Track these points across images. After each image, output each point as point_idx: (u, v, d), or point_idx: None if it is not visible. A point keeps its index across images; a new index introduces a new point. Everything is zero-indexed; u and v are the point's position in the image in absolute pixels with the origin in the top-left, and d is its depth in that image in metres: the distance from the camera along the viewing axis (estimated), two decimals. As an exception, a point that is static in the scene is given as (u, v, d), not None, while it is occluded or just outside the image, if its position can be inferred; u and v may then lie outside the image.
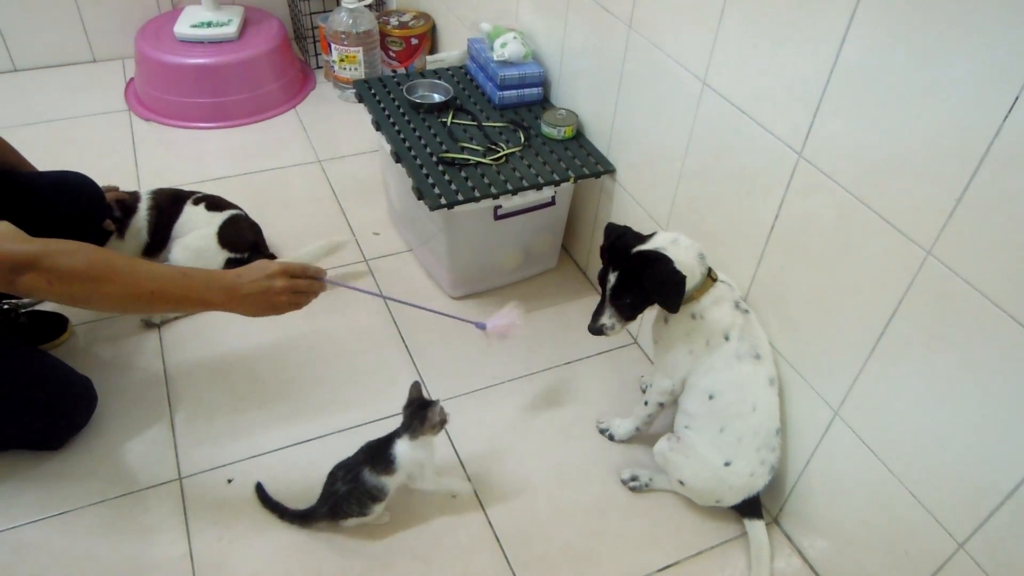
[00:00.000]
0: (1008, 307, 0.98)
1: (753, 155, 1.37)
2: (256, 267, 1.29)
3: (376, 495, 1.38)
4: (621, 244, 1.40)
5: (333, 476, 1.41)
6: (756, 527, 1.47)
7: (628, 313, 1.43)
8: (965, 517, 1.12)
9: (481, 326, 1.49)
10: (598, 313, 1.45)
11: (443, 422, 1.40)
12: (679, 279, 1.34)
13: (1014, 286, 0.97)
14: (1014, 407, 1.02)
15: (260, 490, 1.49)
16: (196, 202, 1.99)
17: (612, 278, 1.40)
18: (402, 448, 1.38)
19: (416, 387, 1.44)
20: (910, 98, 1.04)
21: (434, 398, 1.42)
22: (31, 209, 1.54)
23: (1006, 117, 0.92)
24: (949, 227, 1.04)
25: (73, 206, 1.71)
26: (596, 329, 1.45)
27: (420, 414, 1.38)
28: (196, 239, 1.92)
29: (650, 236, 1.40)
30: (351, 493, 1.37)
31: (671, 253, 1.35)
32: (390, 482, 1.38)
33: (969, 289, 1.03)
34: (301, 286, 1.31)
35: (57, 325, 1.80)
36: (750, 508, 1.48)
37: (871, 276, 1.18)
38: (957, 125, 0.99)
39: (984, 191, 0.98)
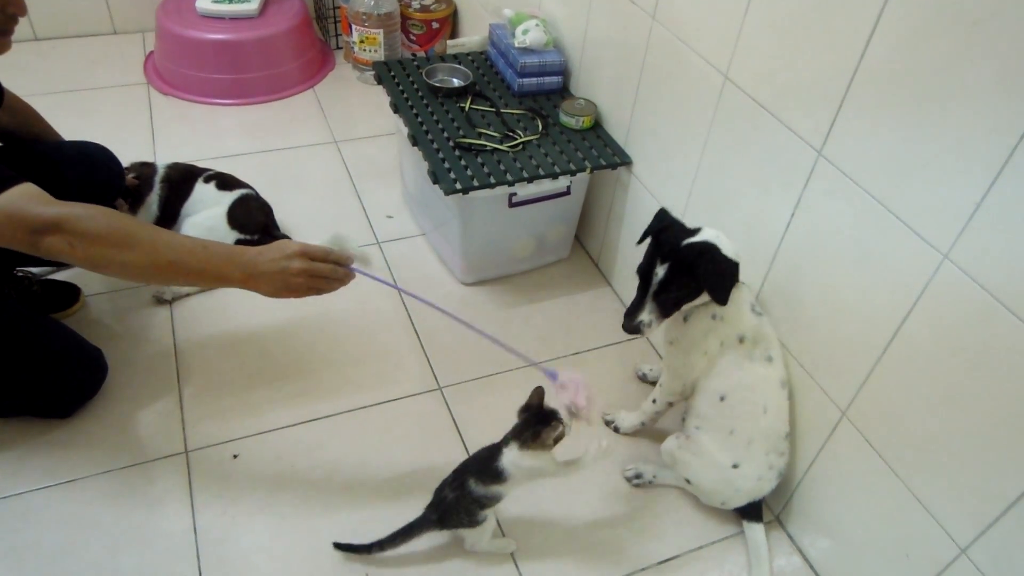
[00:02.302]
0: (1023, 313, 0.98)
1: (772, 152, 1.36)
2: (276, 246, 1.28)
3: (485, 504, 1.32)
4: (669, 236, 1.34)
5: (440, 489, 1.36)
6: (754, 529, 1.47)
7: (669, 309, 1.35)
8: (968, 523, 1.12)
9: (553, 375, 1.34)
10: (636, 309, 1.34)
11: (559, 438, 1.27)
12: (734, 268, 1.30)
13: (1031, 294, 0.97)
14: (1022, 415, 1.01)
15: (342, 546, 1.39)
16: (207, 180, 2.00)
17: (660, 271, 1.31)
18: (509, 458, 1.28)
19: (538, 393, 1.31)
20: (934, 100, 1.03)
21: (555, 407, 1.29)
22: (50, 177, 1.55)
23: (1032, 123, 0.92)
24: (967, 232, 1.03)
25: (92, 177, 1.72)
26: (634, 327, 1.35)
27: (534, 427, 1.27)
28: (205, 218, 1.93)
29: (697, 230, 1.35)
30: (458, 502, 1.32)
31: (720, 245, 1.31)
32: (497, 491, 1.31)
33: (985, 295, 1.02)
34: (320, 270, 1.27)
35: (69, 295, 1.81)
36: (751, 511, 1.48)
37: (886, 278, 1.18)
38: (980, 129, 0.98)
39: (1004, 197, 0.97)
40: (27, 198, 1.17)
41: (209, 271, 1.26)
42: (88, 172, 1.71)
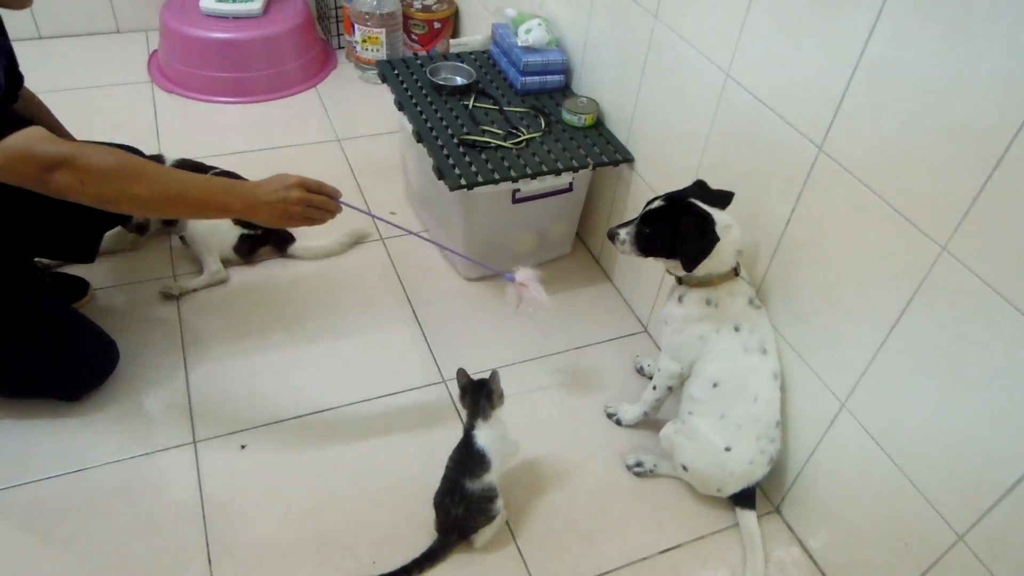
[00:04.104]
0: (1021, 304, 1.00)
1: (773, 148, 1.39)
2: (276, 178, 1.35)
3: (490, 495, 1.37)
4: (689, 191, 1.43)
5: (443, 508, 1.38)
6: (747, 516, 1.50)
7: (642, 243, 1.44)
8: (966, 510, 1.15)
9: (509, 278, 1.52)
10: (623, 224, 1.47)
11: (500, 392, 1.41)
12: (712, 240, 1.35)
13: (1027, 284, 0.99)
14: (1020, 404, 1.04)
15: None
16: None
17: (655, 203, 1.42)
18: (484, 436, 1.37)
19: (463, 372, 1.42)
20: (933, 94, 1.06)
21: (465, 371, 1.43)
22: None
23: (1028, 117, 0.94)
24: (965, 224, 1.05)
25: None
26: (611, 233, 1.49)
27: (485, 393, 1.39)
28: None
29: (718, 204, 1.41)
30: (468, 511, 1.36)
31: (719, 231, 1.36)
32: (492, 476, 1.38)
33: (982, 286, 1.05)
34: (316, 201, 1.36)
35: (78, 288, 1.83)
36: (744, 498, 1.51)
37: (885, 271, 1.20)
38: (979, 122, 1.01)
39: (1002, 189, 1.00)
40: (37, 138, 1.21)
41: (213, 201, 1.32)
42: None
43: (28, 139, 1.20)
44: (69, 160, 1.20)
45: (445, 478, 1.39)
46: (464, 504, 1.35)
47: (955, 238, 1.07)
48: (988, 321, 1.05)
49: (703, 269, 1.40)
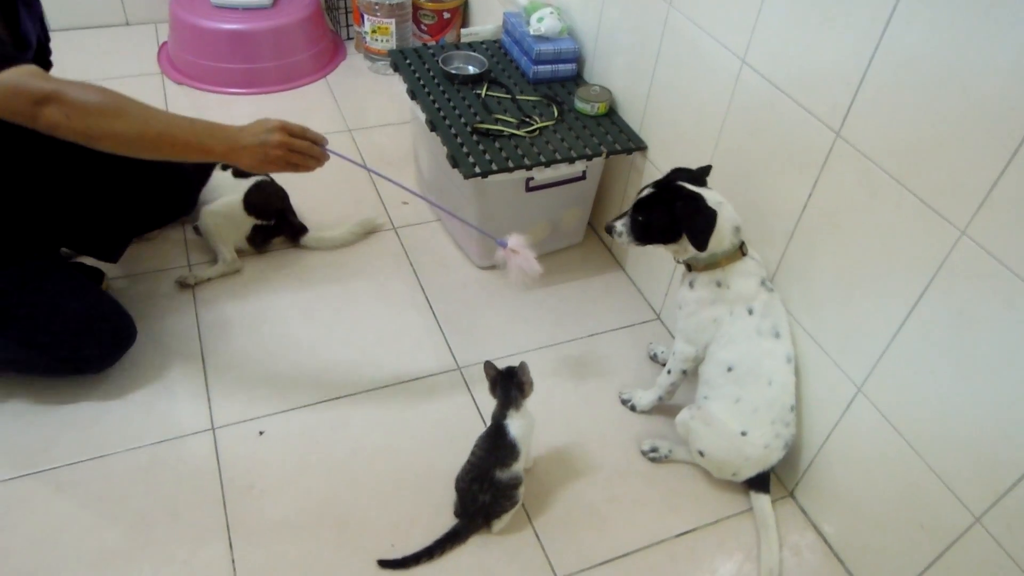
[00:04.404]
0: (1040, 286, 1.01)
1: (790, 135, 1.39)
2: (258, 122, 1.36)
3: (516, 483, 1.39)
4: (674, 175, 1.46)
5: (470, 494, 1.39)
6: (761, 500, 1.51)
7: (639, 231, 1.47)
8: (983, 492, 1.16)
9: (502, 243, 1.53)
10: (619, 216, 1.50)
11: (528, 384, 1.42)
12: (710, 213, 1.38)
13: (1046, 266, 1.00)
14: (1038, 385, 1.05)
15: (387, 563, 1.38)
16: (224, 167, 2.02)
17: (645, 192, 1.45)
18: (516, 426, 1.39)
19: (490, 365, 1.43)
20: (954, 78, 1.07)
21: (498, 363, 1.45)
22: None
23: (1049, 99, 0.95)
24: (985, 207, 1.06)
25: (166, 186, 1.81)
26: (609, 227, 1.51)
27: (516, 383, 1.40)
28: (223, 206, 1.95)
29: (703, 185, 1.45)
30: (495, 498, 1.38)
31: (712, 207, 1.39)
32: (520, 466, 1.40)
33: (1002, 268, 1.05)
34: (297, 145, 1.35)
35: (94, 277, 1.84)
36: (759, 482, 1.52)
37: (903, 255, 1.21)
38: (1000, 105, 1.01)
39: (1023, 173, 1.00)
40: (28, 74, 1.24)
41: (194, 143, 1.33)
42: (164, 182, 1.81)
43: (20, 75, 1.24)
44: (57, 95, 1.23)
45: (473, 466, 1.40)
46: (492, 492, 1.37)
47: (975, 221, 1.08)
48: (1008, 304, 1.06)
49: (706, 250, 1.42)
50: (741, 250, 1.44)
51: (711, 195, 1.42)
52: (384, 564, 1.37)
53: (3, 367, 1.60)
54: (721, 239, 1.41)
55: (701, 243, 1.39)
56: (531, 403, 1.43)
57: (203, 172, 2.01)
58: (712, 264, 1.44)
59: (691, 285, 1.49)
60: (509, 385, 1.40)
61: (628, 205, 1.96)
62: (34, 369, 1.61)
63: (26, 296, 1.53)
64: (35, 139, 1.28)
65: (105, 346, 1.63)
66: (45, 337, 1.54)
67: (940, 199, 1.13)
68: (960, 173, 1.09)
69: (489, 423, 1.44)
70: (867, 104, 1.22)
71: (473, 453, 1.41)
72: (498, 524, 1.42)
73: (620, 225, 1.49)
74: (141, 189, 1.74)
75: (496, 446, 1.39)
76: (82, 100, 1.25)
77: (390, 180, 1.58)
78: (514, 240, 1.53)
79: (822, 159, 1.33)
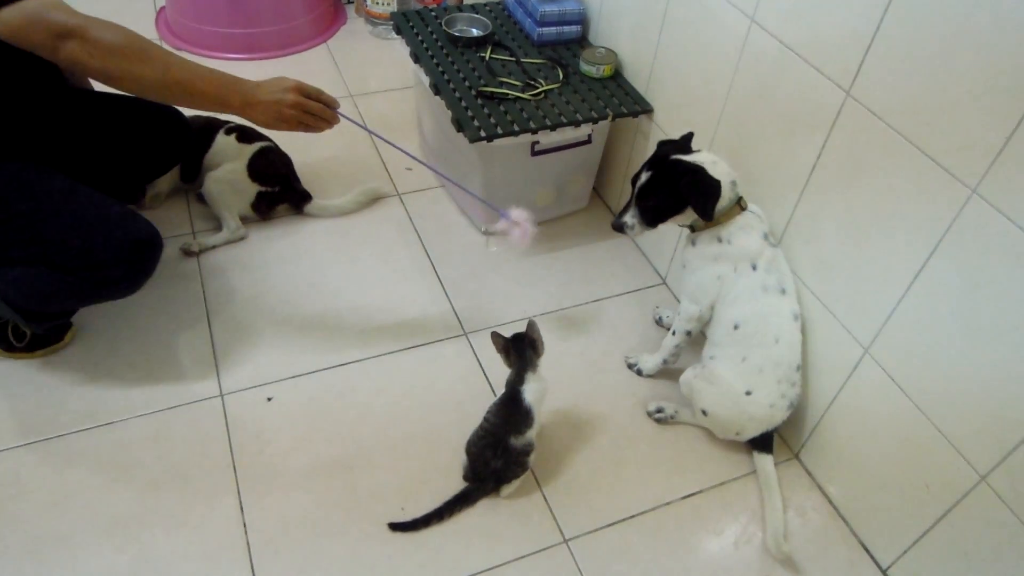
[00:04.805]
0: (1051, 245, 1.00)
1: (799, 95, 1.37)
2: (275, 80, 1.37)
3: (528, 449, 1.40)
4: (663, 150, 1.45)
5: (482, 459, 1.39)
6: (764, 460, 1.52)
7: (650, 217, 1.46)
8: (989, 450, 1.16)
9: (505, 214, 1.57)
10: (623, 211, 1.49)
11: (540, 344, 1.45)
12: (713, 183, 1.38)
13: (1058, 225, 0.99)
14: (1047, 344, 1.05)
15: (398, 525, 1.39)
16: (228, 132, 2.01)
17: (643, 177, 1.44)
18: (531, 391, 1.40)
19: (497, 335, 1.44)
20: (966, 34, 1.05)
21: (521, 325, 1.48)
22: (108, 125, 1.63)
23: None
24: (996, 165, 1.05)
25: (161, 134, 1.78)
26: (618, 225, 1.49)
27: (529, 343, 1.42)
28: (227, 172, 1.94)
29: (693, 152, 1.44)
30: (507, 464, 1.39)
31: (709, 170, 1.39)
32: (532, 432, 1.40)
33: (1012, 227, 1.05)
34: (311, 107, 1.37)
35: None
36: (762, 443, 1.53)
37: (912, 215, 1.20)
38: (1012, 62, 0.99)
39: (1036, 129, 0.99)
40: (53, 5, 1.24)
41: (211, 94, 1.34)
42: (158, 129, 1.77)
43: (43, 5, 1.23)
44: (80, 31, 1.23)
45: (487, 432, 1.40)
46: (504, 458, 1.38)
47: (986, 180, 1.07)
48: (1018, 262, 1.06)
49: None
50: (740, 204, 1.43)
51: (703, 157, 1.42)
52: (395, 527, 1.39)
53: (32, 294, 1.46)
54: (720, 198, 1.40)
55: (709, 214, 1.40)
56: (543, 403, 1.45)
57: (206, 136, 1.99)
58: (714, 222, 1.44)
59: (693, 243, 1.50)
60: (523, 347, 1.41)
61: (633, 169, 1.96)
62: (60, 292, 1.45)
63: (25, 191, 1.41)
64: (34, 85, 1.26)
65: (123, 252, 1.41)
66: (51, 234, 1.40)
67: (951, 158, 1.12)
68: (972, 131, 1.07)
69: (504, 390, 1.44)
70: (878, 62, 1.20)
71: (486, 420, 1.42)
72: (507, 489, 1.44)
73: (629, 219, 1.48)
74: (139, 131, 1.73)
75: (511, 413, 1.39)
76: (106, 40, 1.25)
77: (397, 147, 1.59)
78: (516, 213, 1.57)
79: (832, 119, 1.31)
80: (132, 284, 1.47)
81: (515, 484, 1.43)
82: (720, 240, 1.44)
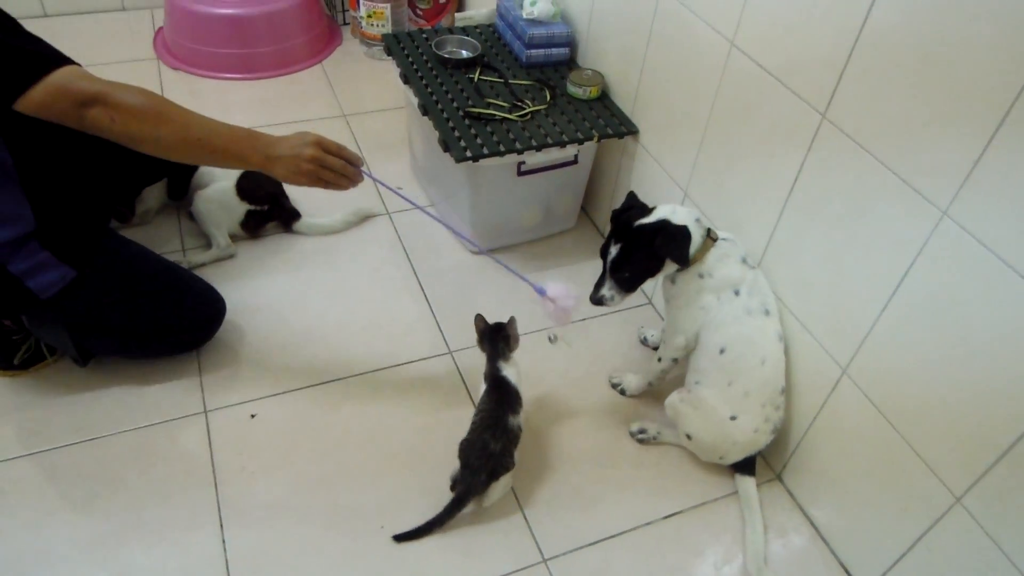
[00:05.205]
0: (1020, 267, 1.01)
1: (777, 117, 1.39)
2: (296, 135, 1.37)
3: (518, 435, 1.42)
4: (624, 219, 1.45)
5: (481, 444, 1.39)
6: (746, 482, 1.52)
7: (627, 285, 1.47)
8: (964, 472, 1.16)
9: (541, 291, 1.49)
10: (599, 284, 1.49)
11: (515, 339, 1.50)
12: (682, 232, 1.39)
13: (1026, 247, 1.00)
14: (1016, 367, 1.05)
15: (403, 536, 1.41)
16: None
17: (613, 250, 1.44)
18: (511, 373, 1.46)
19: (480, 318, 1.50)
20: (936, 58, 1.06)
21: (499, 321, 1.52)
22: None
23: (1029, 79, 0.95)
24: (966, 187, 1.06)
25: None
26: (597, 299, 1.49)
27: (503, 337, 1.47)
28: (215, 192, 1.96)
29: (651, 210, 1.45)
30: (505, 448, 1.39)
31: (675, 222, 1.40)
32: (521, 415, 1.44)
33: (982, 249, 1.06)
34: (330, 162, 1.36)
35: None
36: (744, 465, 1.53)
37: (886, 236, 1.21)
38: (980, 85, 1.01)
39: (1002, 152, 1.00)
40: (75, 75, 1.27)
41: (232, 150, 1.35)
42: None
43: (67, 76, 1.26)
44: (102, 97, 1.26)
45: (483, 418, 1.41)
46: (503, 440, 1.38)
47: (956, 202, 1.08)
48: (987, 285, 1.06)
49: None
50: (710, 236, 1.44)
51: (662, 211, 1.43)
52: (399, 538, 1.39)
53: (112, 350, 1.66)
54: (692, 239, 1.41)
55: (685, 260, 1.41)
56: (522, 381, 1.46)
57: None
58: (691, 262, 1.44)
59: (674, 281, 1.50)
60: (496, 338, 1.47)
61: (621, 191, 1.98)
62: (137, 350, 1.66)
63: (143, 273, 1.61)
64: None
65: (202, 322, 1.70)
66: (159, 313, 1.62)
67: (922, 180, 1.13)
68: (942, 154, 1.09)
69: (485, 383, 1.47)
70: (852, 85, 1.22)
71: (479, 411, 1.44)
72: (493, 492, 1.42)
73: (606, 291, 1.47)
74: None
75: (503, 395, 1.43)
76: (128, 103, 1.27)
77: (419, 208, 1.58)
78: (553, 288, 1.49)
79: (808, 141, 1.33)
80: (196, 345, 1.72)
81: (502, 484, 1.42)
82: (701, 276, 1.45)
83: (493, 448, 1.38)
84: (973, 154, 1.04)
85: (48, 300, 1.46)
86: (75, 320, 1.52)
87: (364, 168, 1.43)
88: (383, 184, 1.53)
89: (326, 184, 1.38)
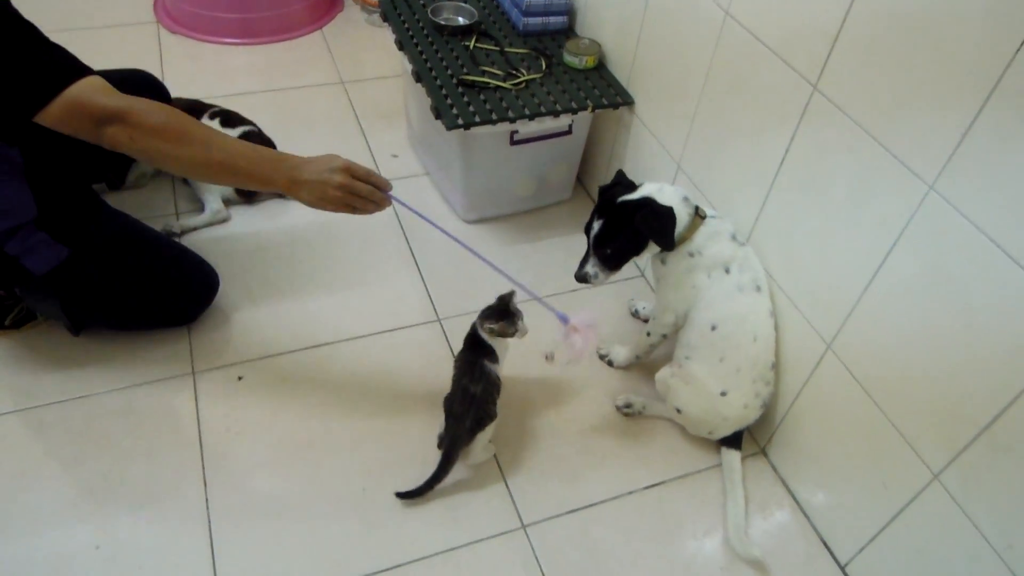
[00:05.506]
0: (1007, 247, 1.00)
1: (770, 88, 1.37)
2: (323, 158, 1.32)
3: (498, 385, 1.42)
4: (609, 195, 1.43)
5: (463, 389, 1.39)
6: (731, 455, 1.52)
7: (611, 263, 1.46)
8: (942, 448, 1.16)
9: (563, 318, 1.41)
10: (584, 261, 1.48)
11: (512, 334, 1.42)
12: (667, 211, 1.38)
13: (1013, 223, 0.99)
14: (996, 345, 1.04)
15: (405, 495, 1.42)
16: (212, 116, 2.03)
17: (596, 226, 1.43)
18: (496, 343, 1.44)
19: (503, 299, 1.45)
20: (927, 29, 1.04)
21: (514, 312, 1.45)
22: None
23: (1016, 52, 0.93)
24: (953, 161, 1.05)
25: None
26: (580, 276, 1.48)
27: (508, 317, 1.41)
28: None
29: (637, 187, 1.43)
30: (486, 390, 1.39)
31: (657, 199, 1.39)
32: (499, 368, 1.43)
33: (966, 223, 1.04)
34: (359, 189, 1.30)
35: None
36: (731, 439, 1.53)
37: (873, 210, 1.20)
38: (967, 60, 0.99)
39: (989, 126, 0.98)
40: (94, 89, 1.22)
41: (257, 174, 1.31)
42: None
43: (85, 91, 1.21)
44: (122, 115, 1.21)
45: (459, 368, 1.42)
46: (483, 382, 1.38)
47: (942, 176, 1.07)
48: (970, 260, 1.05)
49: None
50: (698, 214, 1.43)
51: (648, 189, 1.41)
52: (402, 495, 1.41)
53: (107, 322, 1.66)
54: (678, 220, 1.40)
55: (669, 243, 1.40)
56: (510, 354, 1.47)
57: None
58: (679, 239, 1.43)
59: (664, 261, 1.48)
60: (503, 313, 1.43)
61: (616, 162, 1.97)
62: (131, 321, 1.67)
63: (116, 273, 1.57)
64: None
65: (199, 296, 1.70)
66: (154, 283, 1.63)
67: (910, 153, 1.11)
68: (929, 127, 1.07)
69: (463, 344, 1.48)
70: (844, 56, 1.20)
71: (456, 364, 1.44)
72: (476, 445, 1.42)
73: (591, 268, 1.46)
74: None
75: (475, 344, 1.43)
76: (148, 122, 1.23)
77: (460, 242, 1.53)
78: (577, 319, 1.40)
79: (799, 113, 1.31)
80: (188, 320, 1.71)
81: (487, 436, 1.42)
82: (691, 255, 1.43)
83: (474, 391, 1.38)
84: (962, 126, 1.02)
85: (42, 276, 1.46)
86: (68, 295, 1.53)
87: (392, 193, 1.36)
88: (411, 209, 1.44)
89: (352, 210, 1.33)
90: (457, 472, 1.46)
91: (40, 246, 1.45)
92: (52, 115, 1.21)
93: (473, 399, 1.38)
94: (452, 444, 1.40)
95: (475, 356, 1.42)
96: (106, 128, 1.22)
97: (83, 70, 1.24)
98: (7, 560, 1.30)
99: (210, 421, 1.52)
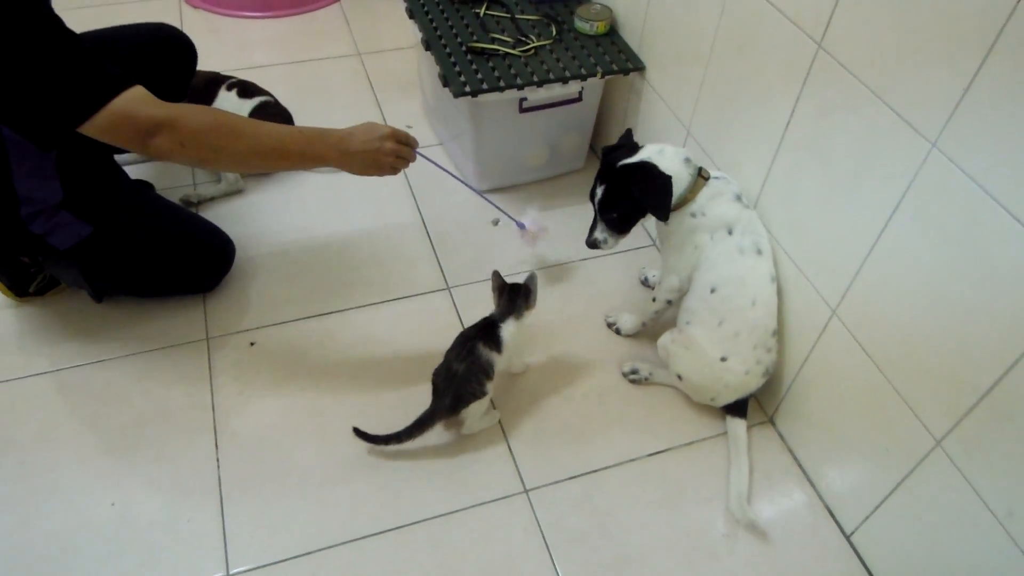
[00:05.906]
0: (1009, 205, 0.97)
1: (775, 48, 1.34)
2: (365, 127, 1.36)
3: (488, 372, 1.41)
4: (610, 159, 1.43)
5: (446, 364, 1.42)
6: (736, 424, 1.51)
7: (619, 227, 1.46)
8: (945, 415, 1.14)
9: (520, 225, 1.73)
10: (593, 227, 1.49)
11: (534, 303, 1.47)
12: (664, 180, 1.36)
13: (1015, 181, 0.96)
14: (1001, 308, 1.01)
15: (361, 433, 1.44)
16: (230, 87, 2.05)
17: (599, 192, 1.43)
18: (509, 331, 1.43)
19: (497, 275, 1.47)
20: (928, -20, 1.01)
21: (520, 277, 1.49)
22: (126, 56, 1.58)
23: (1016, 4, 0.89)
24: (955, 118, 1.01)
25: (167, 57, 1.76)
26: (591, 242, 1.50)
27: (523, 293, 1.43)
28: None
29: (638, 150, 1.42)
30: (468, 372, 1.39)
31: (656, 162, 1.37)
32: (499, 361, 1.43)
33: (969, 182, 1.01)
34: (405, 152, 1.39)
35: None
36: (736, 407, 1.52)
37: (877, 170, 1.17)
38: (970, 8, 0.96)
39: (990, 81, 0.95)
40: (138, 101, 1.20)
41: (309, 153, 1.35)
42: (163, 52, 1.76)
43: (132, 101, 1.19)
44: (169, 124, 1.20)
45: (456, 342, 1.44)
46: (467, 363, 1.38)
47: (944, 134, 1.04)
48: (974, 220, 1.02)
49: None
50: (701, 175, 1.41)
51: (648, 151, 1.40)
52: (358, 433, 1.44)
53: (131, 289, 1.70)
54: (679, 180, 1.38)
55: (664, 213, 1.39)
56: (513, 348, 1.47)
57: (209, 91, 2.04)
58: (681, 202, 1.42)
59: (667, 222, 1.47)
60: (516, 295, 1.44)
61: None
62: (154, 289, 1.70)
63: (136, 247, 1.59)
64: None
65: (216, 265, 1.73)
66: (166, 270, 1.66)
67: (913, 110, 1.08)
68: (932, 82, 1.04)
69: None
70: (847, 11, 1.16)
71: (456, 338, 1.45)
72: (467, 419, 1.44)
73: (600, 233, 1.48)
74: (142, 56, 1.67)
75: (486, 330, 1.43)
76: (196, 126, 1.23)
77: (486, 198, 1.70)
78: (529, 221, 1.74)
79: (804, 72, 1.28)
80: (206, 289, 1.72)
81: (474, 411, 1.42)
82: (693, 215, 1.42)
83: (456, 368, 1.38)
84: (963, 81, 0.99)
85: (65, 251, 1.51)
86: (90, 266, 1.57)
87: (419, 149, 1.47)
88: (435, 163, 1.61)
89: (394, 171, 1.41)
90: (460, 437, 1.48)
91: (64, 224, 1.49)
92: (96, 126, 1.19)
93: (454, 377, 1.39)
94: (427, 416, 1.41)
95: (473, 335, 1.42)
96: (152, 139, 1.20)
97: (126, 81, 1.21)
98: (28, 512, 1.36)
99: (223, 385, 1.56)
